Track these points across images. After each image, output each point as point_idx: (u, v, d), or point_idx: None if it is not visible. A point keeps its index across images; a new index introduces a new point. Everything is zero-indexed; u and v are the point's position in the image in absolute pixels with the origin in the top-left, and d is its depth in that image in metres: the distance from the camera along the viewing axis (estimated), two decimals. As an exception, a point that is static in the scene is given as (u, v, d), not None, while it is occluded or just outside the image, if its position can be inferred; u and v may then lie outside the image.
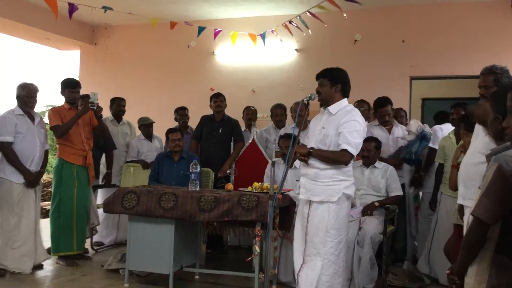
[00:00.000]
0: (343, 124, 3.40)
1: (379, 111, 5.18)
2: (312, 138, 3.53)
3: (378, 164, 4.72)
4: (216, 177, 5.43)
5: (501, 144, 2.02)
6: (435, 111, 8.16)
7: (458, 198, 3.34)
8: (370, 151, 4.66)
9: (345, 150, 3.36)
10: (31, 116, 4.80)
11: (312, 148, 3.43)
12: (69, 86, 5.04)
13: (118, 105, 6.09)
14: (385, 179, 4.64)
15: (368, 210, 4.47)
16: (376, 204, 4.48)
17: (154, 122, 6.17)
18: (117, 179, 5.88)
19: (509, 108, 1.67)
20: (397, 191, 4.64)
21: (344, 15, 5.57)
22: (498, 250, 1.70)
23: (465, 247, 1.89)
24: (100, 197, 5.82)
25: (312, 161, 3.41)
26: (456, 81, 7.53)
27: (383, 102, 5.18)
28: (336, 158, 3.40)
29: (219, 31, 6.75)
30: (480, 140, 3.21)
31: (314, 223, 3.41)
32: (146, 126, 6.07)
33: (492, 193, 1.76)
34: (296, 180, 3.72)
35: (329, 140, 3.41)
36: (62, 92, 5.06)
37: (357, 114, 3.47)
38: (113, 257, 4.77)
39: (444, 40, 6.60)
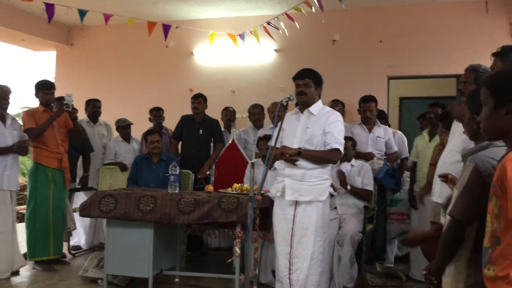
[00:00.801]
0: (330, 124, 3.49)
1: (362, 106, 5.27)
2: (294, 139, 3.53)
3: (354, 162, 4.77)
4: (196, 179, 5.40)
5: (478, 144, 2.04)
6: (412, 110, 8.29)
7: (434, 196, 3.39)
8: (348, 149, 4.70)
9: (337, 149, 3.46)
10: (3, 117, 4.70)
11: (299, 148, 3.44)
12: (43, 88, 4.94)
13: (94, 106, 6.02)
14: (361, 177, 4.68)
15: (343, 180, 4.47)
16: (348, 187, 4.51)
17: (132, 124, 6.11)
18: (94, 182, 5.79)
19: (483, 102, 1.68)
20: (368, 187, 4.69)
21: (323, 15, 5.59)
22: (475, 249, 1.71)
23: (443, 247, 1.90)
24: (79, 200, 5.71)
25: (299, 162, 3.42)
26: (433, 81, 7.62)
27: (367, 98, 5.29)
28: (328, 158, 3.49)
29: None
30: (457, 139, 3.26)
31: (302, 224, 3.44)
32: (124, 127, 6.00)
33: (469, 193, 1.77)
34: (278, 183, 3.68)
35: (316, 140, 3.47)
36: (36, 94, 4.97)
37: (339, 115, 3.61)
38: (90, 260, 4.59)
39: (421, 40, 6.67)
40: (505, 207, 1.46)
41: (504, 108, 1.58)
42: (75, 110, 4.90)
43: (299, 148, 3.44)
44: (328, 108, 3.66)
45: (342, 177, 4.49)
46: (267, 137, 4.62)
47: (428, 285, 2.00)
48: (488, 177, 1.72)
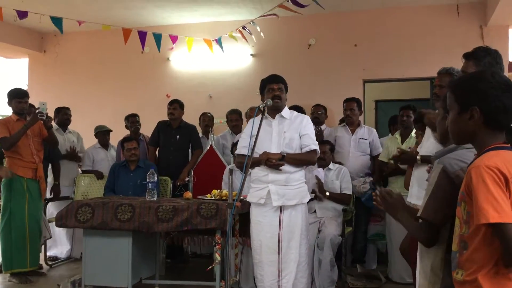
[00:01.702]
0: (304, 127, 3.58)
1: (344, 105, 5.30)
2: (270, 144, 3.54)
3: (332, 165, 4.81)
4: (174, 185, 5.35)
5: (447, 146, 2.07)
6: (388, 112, 8.38)
7: (411, 198, 3.42)
8: (326, 153, 4.75)
9: (314, 151, 3.56)
10: None
11: (282, 153, 3.47)
12: (16, 96, 4.86)
13: (64, 113, 5.93)
14: (339, 180, 4.72)
15: (319, 193, 4.52)
16: (327, 194, 4.55)
17: (112, 131, 6.06)
18: (69, 191, 5.70)
19: (449, 106, 1.71)
20: (347, 191, 4.73)
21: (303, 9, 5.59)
22: (449, 250, 1.74)
23: (414, 237, 1.94)
24: (48, 209, 5.57)
25: (282, 166, 3.44)
26: (407, 83, 7.74)
27: (349, 98, 5.32)
28: (309, 159, 3.58)
29: (176, 37, 6.67)
30: (432, 141, 3.30)
31: (290, 228, 3.48)
32: (102, 133, 5.98)
33: (439, 194, 1.80)
34: (258, 190, 3.67)
35: (295, 144, 3.53)
36: (9, 103, 4.88)
37: (309, 118, 3.74)
38: (63, 286, 4.31)
39: (394, 43, 6.77)
40: (472, 213, 1.49)
41: (467, 113, 1.61)
42: (49, 119, 4.82)
43: (281, 152, 3.46)
44: (296, 112, 3.73)
45: (319, 183, 4.52)
46: None
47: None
48: (456, 178, 1.75)
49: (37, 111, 4.68)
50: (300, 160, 3.53)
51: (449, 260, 1.80)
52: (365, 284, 4.61)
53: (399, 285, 4.54)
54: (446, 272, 1.82)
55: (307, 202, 3.68)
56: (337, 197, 4.64)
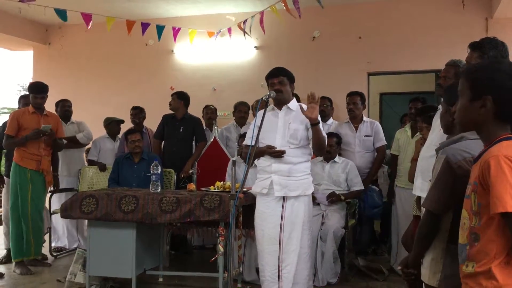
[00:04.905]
0: None
1: (347, 99, 5.26)
2: (275, 135, 3.54)
3: (338, 159, 4.80)
4: (178, 177, 5.37)
5: (451, 137, 2.07)
6: (393, 105, 8.37)
7: (415, 190, 3.42)
8: (332, 146, 4.75)
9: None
10: None
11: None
12: (32, 91, 4.99)
13: (63, 105, 5.97)
14: (345, 174, 4.72)
15: (333, 197, 4.55)
16: (342, 198, 4.56)
17: (122, 121, 6.09)
18: (74, 182, 5.72)
19: (459, 93, 1.68)
20: (358, 186, 4.74)
21: (299, 12, 5.58)
22: (450, 240, 1.74)
23: (418, 239, 1.94)
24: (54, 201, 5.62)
25: (285, 157, 3.46)
26: (412, 76, 7.71)
27: (353, 92, 5.29)
28: (326, 141, 3.58)
29: (178, 29, 6.66)
30: (436, 133, 3.29)
31: (291, 218, 3.48)
32: (108, 124, 6.01)
33: (441, 184, 1.80)
34: (262, 180, 3.68)
35: (300, 135, 3.52)
36: (29, 95, 5.04)
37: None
38: (75, 262, 4.27)
39: (399, 36, 6.74)
40: (485, 204, 1.46)
41: (480, 101, 1.58)
42: (52, 134, 4.94)
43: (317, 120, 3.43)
44: (304, 105, 3.69)
45: (334, 199, 4.56)
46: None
47: (407, 277, 2.01)
48: (458, 169, 1.74)
49: (40, 131, 4.81)
50: (323, 136, 3.48)
51: (450, 250, 1.81)
52: (371, 274, 4.62)
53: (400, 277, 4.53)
54: (448, 262, 1.83)
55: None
56: (350, 196, 4.66)
